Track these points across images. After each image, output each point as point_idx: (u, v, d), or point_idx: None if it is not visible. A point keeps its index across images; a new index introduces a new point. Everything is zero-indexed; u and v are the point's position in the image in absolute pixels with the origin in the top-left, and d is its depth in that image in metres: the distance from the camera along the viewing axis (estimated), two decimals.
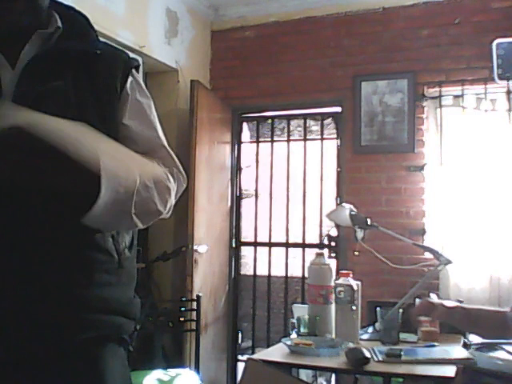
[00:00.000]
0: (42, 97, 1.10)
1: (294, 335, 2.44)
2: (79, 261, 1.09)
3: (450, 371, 1.95)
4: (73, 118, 1.06)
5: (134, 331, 1.23)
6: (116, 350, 1.18)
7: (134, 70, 1.26)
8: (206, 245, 4.00)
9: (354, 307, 2.38)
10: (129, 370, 1.23)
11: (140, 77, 1.30)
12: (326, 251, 3.87)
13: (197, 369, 3.22)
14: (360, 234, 2.65)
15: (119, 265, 1.16)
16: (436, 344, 2.33)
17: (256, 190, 4.60)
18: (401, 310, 2.41)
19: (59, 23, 1.21)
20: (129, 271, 1.20)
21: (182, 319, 3.40)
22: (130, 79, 1.23)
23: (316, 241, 4.42)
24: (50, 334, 1.07)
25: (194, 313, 3.34)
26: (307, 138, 4.49)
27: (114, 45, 1.32)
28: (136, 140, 1.20)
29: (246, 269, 4.72)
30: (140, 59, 3.76)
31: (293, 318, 2.61)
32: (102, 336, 1.13)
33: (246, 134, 4.78)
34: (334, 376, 3.88)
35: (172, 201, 1.19)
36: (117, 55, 1.26)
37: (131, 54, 3.88)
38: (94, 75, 1.18)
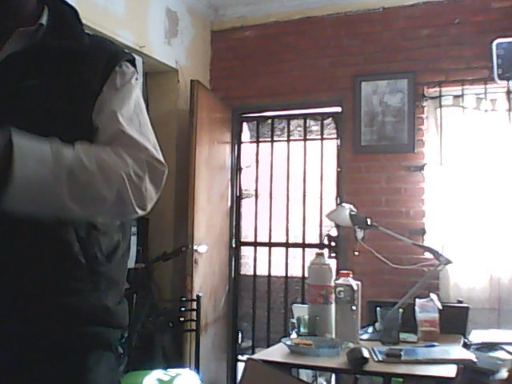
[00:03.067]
0: (14, 96, 1.07)
1: (294, 335, 2.44)
2: (40, 269, 1.05)
3: (450, 371, 1.95)
4: (41, 118, 1.05)
5: (121, 338, 1.19)
6: (101, 354, 1.14)
7: (124, 63, 1.19)
8: (206, 245, 4.00)
9: (354, 307, 2.38)
10: (117, 373, 1.20)
11: (130, 70, 1.22)
12: (326, 251, 3.87)
13: (197, 369, 3.22)
14: (360, 233, 2.65)
15: (91, 271, 1.10)
16: (436, 344, 2.33)
17: (256, 190, 4.60)
18: (401, 310, 2.41)
19: (44, 19, 1.17)
20: (109, 277, 1.14)
21: (182, 319, 3.40)
22: (112, 76, 1.16)
23: (316, 241, 4.42)
24: (21, 343, 1.05)
25: (194, 313, 3.34)
26: (307, 138, 4.49)
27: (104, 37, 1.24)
28: (98, 133, 1.12)
29: (246, 269, 4.72)
30: (140, 59, 3.76)
31: (293, 317, 2.61)
32: (76, 345, 1.10)
33: (246, 134, 4.77)
34: (334, 376, 3.88)
35: (142, 188, 1.09)
36: (102, 51, 1.19)
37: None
38: (73, 74, 1.12)
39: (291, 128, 4.57)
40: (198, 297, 3.35)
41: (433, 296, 2.56)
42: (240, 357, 4.47)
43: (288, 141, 4.52)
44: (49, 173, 0.95)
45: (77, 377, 1.10)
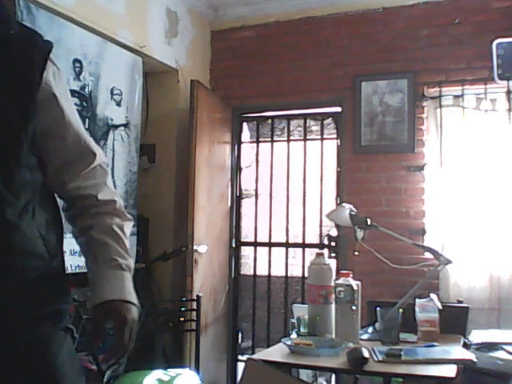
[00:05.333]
0: None
1: (294, 335, 2.44)
2: (12, 269, 1.09)
3: (450, 371, 1.95)
4: None
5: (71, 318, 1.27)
6: (63, 337, 1.19)
7: (50, 54, 1.17)
8: (206, 245, 4.00)
9: (354, 307, 2.38)
10: (77, 357, 1.26)
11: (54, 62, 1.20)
12: (326, 251, 3.88)
13: (197, 369, 3.22)
14: (360, 233, 2.65)
15: (51, 264, 1.16)
16: (436, 344, 2.33)
17: (256, 190, 4.60)
18: (401, 310, 2.41)
19: None
20: (60, 267, 1.21)
21: (182, 319, 3.40)
22: (49, 67, 1.14)
23: (316, 241, 4.42)
24: None
25: (194, 313, 3.34)
26: (307, 138, 4.49)
27: (28, 25, 1.21)
28: (64, 147, 1.20)
29: (246, 269, 4.72)
30: (140, 59, 3.77)
31: (293, 317, 2.61)
32: (42, 334, 1.14)
33: (246, 134, 4.77)
34: (334, 376, 3.88)
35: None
36: (32, 37, 1.15)
37: (131, 54, 3.89)
38: (9, 61, 1.08)
39: (291, 128, 4.57)
40: (198, 297, 3.35)
41: (433, 296, 2.56)
42: (240, 357, 4.46)
43: (288, 141, 4.52)
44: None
45: (44, 365, 1.13)
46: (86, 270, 1.26)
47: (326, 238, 4.27)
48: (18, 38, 1.11)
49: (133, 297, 1.22)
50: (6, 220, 1.06)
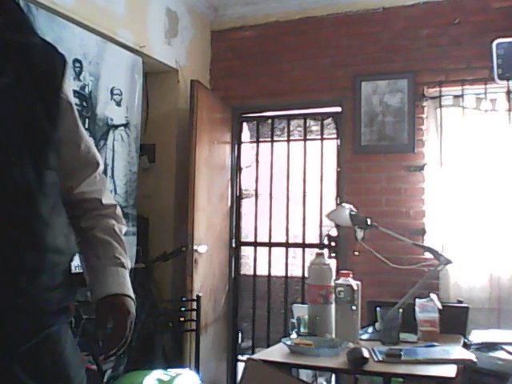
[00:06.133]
0: None
1: (294, 335, 2.44)
2: (44, 265, 1.12)
3: (450, 371, 1.95)
4: (23, 119, 1.07)
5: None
6: (67, 328, 1.22)
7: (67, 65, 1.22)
8: (206, 245, 4.00)
9: (354, 307, 2.38)
10: (77, 346, 1.29)
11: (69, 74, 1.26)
12: (326, 251, 3.88)
13: (197, 369, 3.22)
14: (360, 233, 2.65)
15: (70, 261, 1.22)
16: (436, 344, 2.33)
17: (256, 190, 4.60)
18: (401, 310, 2.41)
19: None
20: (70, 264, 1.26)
21: (182, 319, 3.40)
22: (66, 78, 1.20)
23: (316, 241, 4.42)
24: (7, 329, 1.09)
25: (194, 313, 3.34)
26: (307, 138, 4.49)
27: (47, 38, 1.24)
28: (78, 154, 1.27)
29: (246, 269, 4.72)
30: (140, 59, 3.77)
31: (293, 318, 2.61)
32: (59, 327, 1.18)
33: (246, 134, 4.77)
34: (334, 376, 3.88)
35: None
36: (52, 49, 1.20)
37: (131, 54, 3.89)
38: (35, 70, 1.12)
39: (291, 128, 4.57)
40: (198, 297, 3.35)
41: (433, 296, 2.56)
42: (240, 357, 4.46)
43: (288, 141, 4.52)
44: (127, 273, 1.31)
45: (55, 358, 1.16)
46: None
47: (325, 237, 4.27)
48: (39, 48, 1.17)
49: (132, 292, 1.29)
50: (43, 218, 1.12)
